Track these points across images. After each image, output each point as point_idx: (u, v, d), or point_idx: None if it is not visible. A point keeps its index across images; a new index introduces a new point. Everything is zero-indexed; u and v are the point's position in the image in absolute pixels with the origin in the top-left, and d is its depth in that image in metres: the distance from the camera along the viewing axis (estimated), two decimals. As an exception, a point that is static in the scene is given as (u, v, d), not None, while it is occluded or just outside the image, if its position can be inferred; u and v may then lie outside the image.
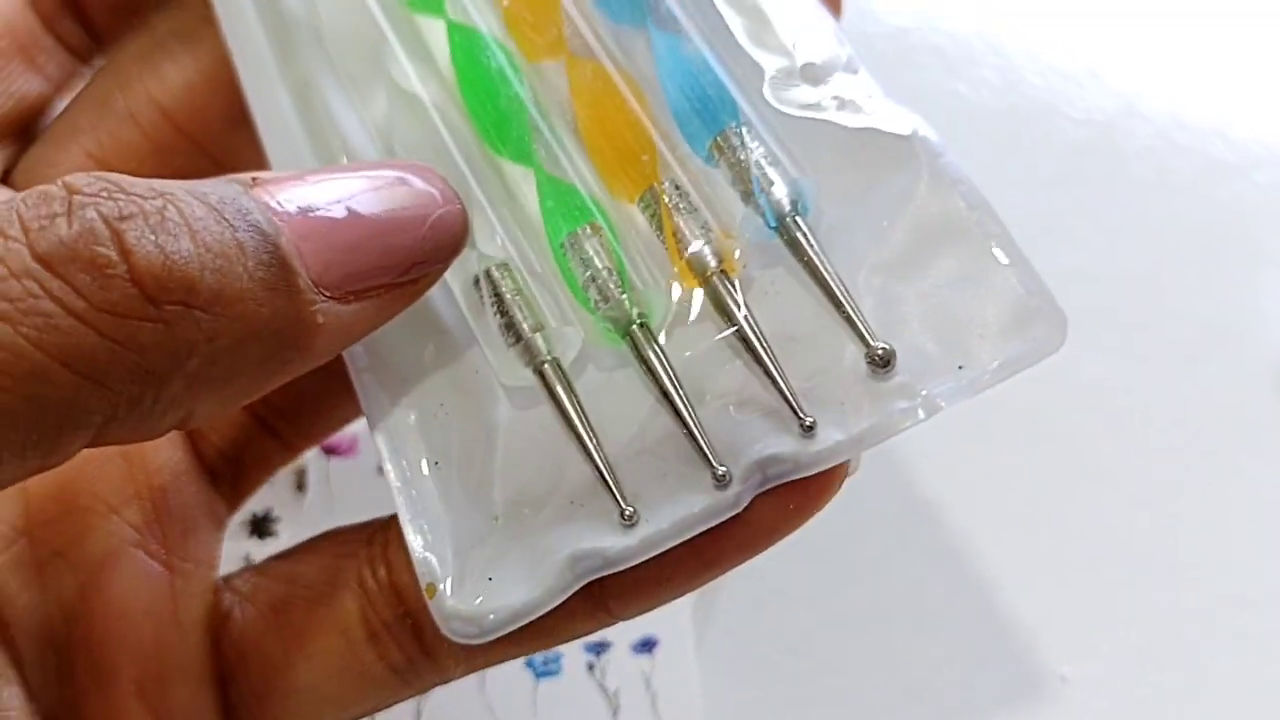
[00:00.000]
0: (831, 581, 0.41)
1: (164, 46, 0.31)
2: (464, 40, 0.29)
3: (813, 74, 0.28)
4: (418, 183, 0.25)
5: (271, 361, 0.23)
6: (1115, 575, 0.41)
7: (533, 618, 0.26)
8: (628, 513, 0.25)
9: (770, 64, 0.28)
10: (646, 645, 0.40)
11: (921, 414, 0.25)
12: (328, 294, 0.23)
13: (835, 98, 0.28)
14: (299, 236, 0.23)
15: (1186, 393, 0.43)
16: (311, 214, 0.23)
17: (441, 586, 0.26)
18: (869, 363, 0.25)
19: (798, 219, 0.27)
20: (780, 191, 0.27)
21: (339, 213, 0.23)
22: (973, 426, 0.42)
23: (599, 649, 0.39)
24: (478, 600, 0.26)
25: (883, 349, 0.25)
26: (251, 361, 0.23)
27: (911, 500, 0.42)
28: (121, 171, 0.29)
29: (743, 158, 0.27)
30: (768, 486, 0.26)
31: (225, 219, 0.22)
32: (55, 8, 0.31)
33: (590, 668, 0.39)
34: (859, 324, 0.26)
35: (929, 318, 0.26)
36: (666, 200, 0.27)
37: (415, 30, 0.30)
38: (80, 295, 0.20)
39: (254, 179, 0.24)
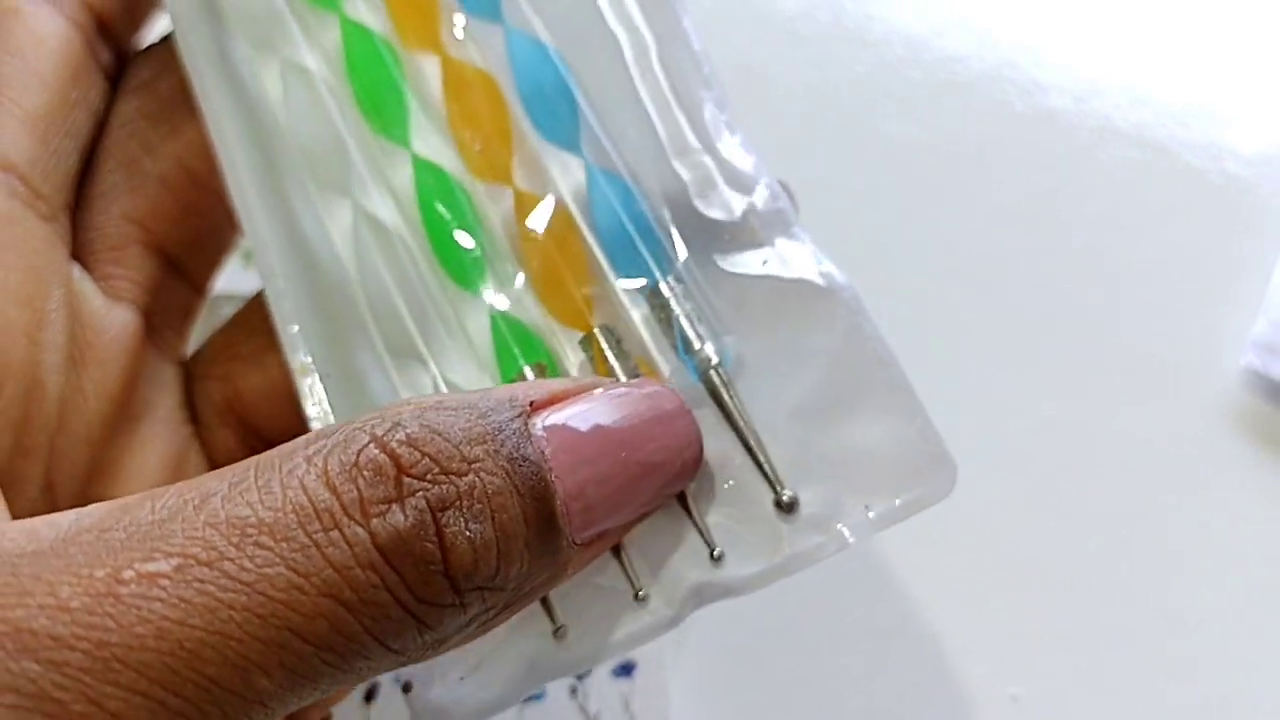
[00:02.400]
0: (797, 608, 0.44)
1: (174, 107, 0.33)
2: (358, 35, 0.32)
3: (739, 184, 0.30)
4: (668, 411, 0.26)
5: (520, 610, 0.25)
6: (1065, 598, 0.43)
7: (500, 711, 0.29)
8: (559, 630, 0.28)
9: (690, 175, 0.30)
10: (626, 669, 0.43)
11: (833, 548, 0.28)
12: (578, 544, 0.24)
13: (766, 248, 0.30)
14: (566, 494, 0.24)
15: (1136, 422, 0.45)
16: (579, 465, 0.24)
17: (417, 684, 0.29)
18: (776, 507, 0.28)
19: (719, 373, 0.29)
20: (706, 350, 0.29)
21: (601, 459, 0.24)
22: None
23: (581, 673, 0.42)
24: (453, 697, 0.29)
25: (788, 497, 0.28)
26: (507, 617, 0.24)
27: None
28: (156, 231, 0.31)
29: (673, 312, 0.29)
30: (705, 605, 0.29)
31: (516, 486, 0.23)
32: (94, 33, 0.32)
33: (573, 691, 0.42)
34: (769, 473, 0.28)
35: (841, 464, 0.28)
36: (602, 345, 0.30)
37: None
38: (409, 589, 0.22)
39: (531, 404, 0.24)
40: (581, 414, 0.24)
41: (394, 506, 0.21)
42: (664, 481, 0.26)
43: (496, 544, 0.22)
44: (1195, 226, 0.48)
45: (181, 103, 0.32)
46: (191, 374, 0.33)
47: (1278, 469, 0.44)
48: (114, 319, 0.31)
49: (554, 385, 0.25)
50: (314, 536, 0.21)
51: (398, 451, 0.22)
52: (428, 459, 0.22)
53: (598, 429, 0.24)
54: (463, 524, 0.22)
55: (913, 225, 0.48)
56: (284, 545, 0.21)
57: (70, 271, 0.31)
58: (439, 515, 0.22)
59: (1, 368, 0.28)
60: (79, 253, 0.32)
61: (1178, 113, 0.50)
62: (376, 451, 0.22)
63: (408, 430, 0.22)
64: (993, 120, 0.50)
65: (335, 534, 0.21)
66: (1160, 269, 0.47)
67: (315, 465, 0.22)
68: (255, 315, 0.33)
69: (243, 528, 0.21)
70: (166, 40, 0.33)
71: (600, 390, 0.25)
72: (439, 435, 0.22)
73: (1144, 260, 0.47)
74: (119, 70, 0.33)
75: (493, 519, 0.22)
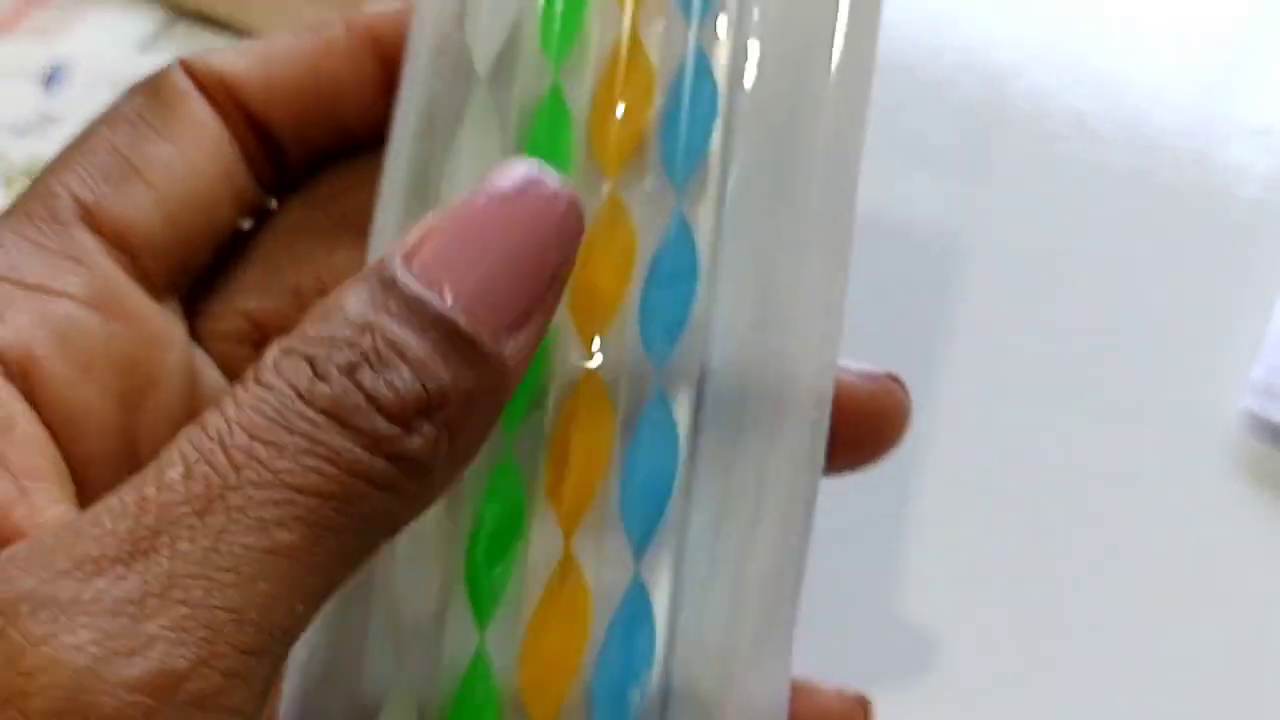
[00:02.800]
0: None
1: (338, 229, 0.32)
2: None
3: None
4: (522, 182, 0.27)
5: (493, 411, 0.26)
6: (1062, 638, 0.44)
7: None
8: None
9: None
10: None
11: None
12: (506, 336, 0.26)
13: None
14: (464, 308, 0.26)
15: (1137, 465, 0.46)
16: (467, 277, 0.26)
17: None
18: None
19: None
20: None
21: (488, 260, 0.26)
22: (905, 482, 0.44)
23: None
24: None
25: None
26: (482, 421, 0.26)
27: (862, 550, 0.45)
28: (273, 337, 0.30)
29: None
30: None
31: (418, 328, 0.25)
32: (258, 149, 0.32)
33: None
34: None
35: None
36: None
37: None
38: (364, 435, 0.24)
39: (405, 256, 0.26)
40: (446, 231, 0.26)
41: (319, 384, 0.24)
42: (545, 242, 0.27)
43: (413, 374, 0.25)
44: (1195, 270, 0.48)
45: (344, 229, 0.32)
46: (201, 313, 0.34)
47: (1277, 511, 0.44)
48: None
49: (422, 225, 0.26)
50: (275, 421, 0.24)
51: (304, 349, 0.25)
52: (328, 343, 0.25)
53: (463, 234, 0.26)
54: (374, 374, 0.24)
55: (913, 253, 0.48)
56: (256, 434, 0.24)
57: (186, 344, 0.31)
58: (354, 374, 0.24)
59: (86, 423, 0.29)
60: (192, 334, 0.32)
61: (1179, 156, 0.50)
62: (289, 356, 0.25)
63: (306, 334, 0.25)
64: (995, 158, 0.50)
65: (290, 414, 0.24)
66: (1160, 312, 0.48)
67: (248, 383, 0.25)
68: (256, 252, 0.33)
69: (219, 437, 0.24)
70: (352, 165, 0.33)
71: (454, 199, 0.27)
72: (331, 325, 0.25)
73: (1144, 303, 0.48)
74: (279, 177, 0.33)
75: (402, 358, 0.25)
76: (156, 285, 0.30)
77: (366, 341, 0.25)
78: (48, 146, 0.54)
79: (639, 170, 0.30)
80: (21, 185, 0.53)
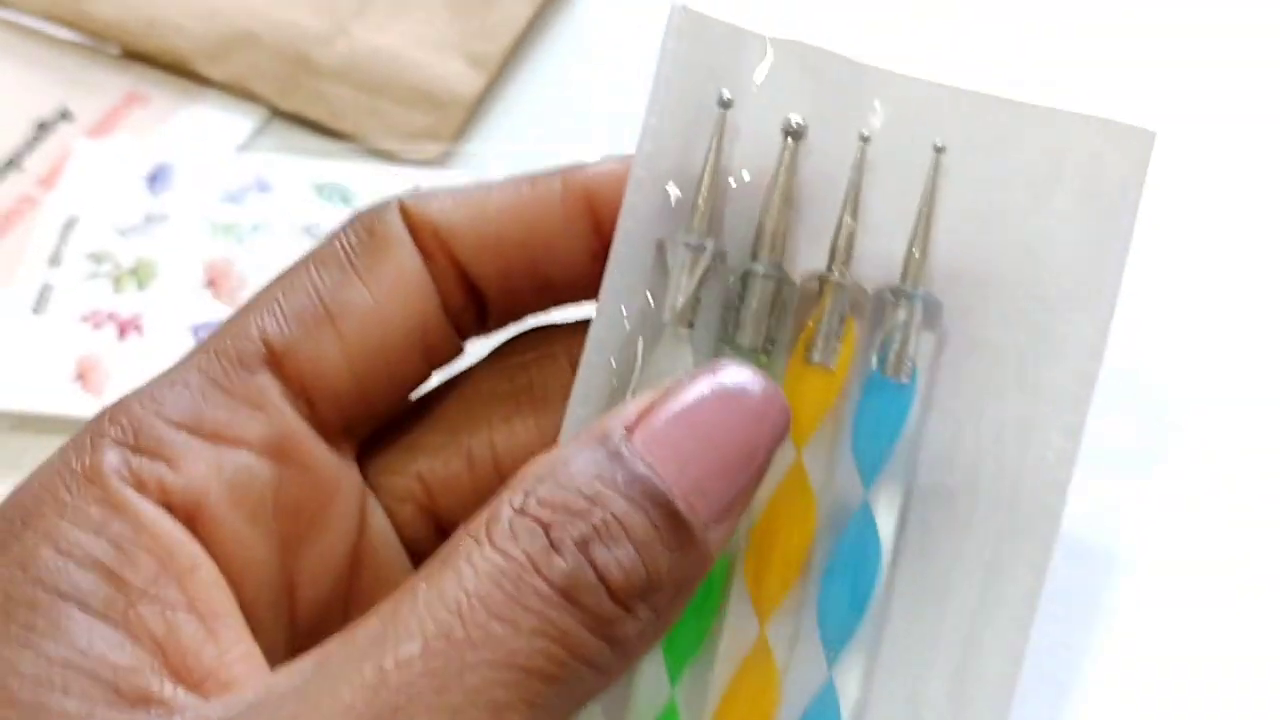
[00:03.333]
0: None
1: (520, 399, 0.32)
2: None
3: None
4: (743, 386, 0.28)
5: (691, 596, 0.27)
6: None
7: None
8: None
9: None
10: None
11: None
12: (713, 526, 0.27)
13: None
14: (682, 494, 0.26)
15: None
16: (689, 465, 0.27)
17: None
18: None
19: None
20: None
21: (707, 451, 0.27)
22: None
23: None
24: None
25: None
26: (680, 605, 0.27)
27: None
28: (439, 501, 0.32)
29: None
30: None
31: (637, 503, 0.26)
32: (462, 298, 0.32)
33: None
34: None
35: None
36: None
37: None
38: (590, 614, 0.25)
39: (626, 429, 0.27)
40: (667, 416, 0.27)
41: (554, 556, 0.25)
42: (757, 444, 0.27)
43: (639, 555, 0.25)
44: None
45: (525, 400, 0.32)
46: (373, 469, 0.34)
47: None
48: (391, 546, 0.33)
49: (640, 402, 0.27)
50: (512, 596, 0.25)
51: (538, 513, 0.25)
52: (562, 510, 0.25)
53: (684, 422, 0.27)
54: (606, 550, 0.25)
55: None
56: (494, 610, 0.25)
57: (357, 493, 0.31)
58: (588, 549, 0.25)
59: (249, 568, 0.29)
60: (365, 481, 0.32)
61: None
62: (522, 519, 0.25)
63: (537, 495, 0.26)
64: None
65: (526, 589, 0.25)
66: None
67: (483, 544, 0.25)
68: (436, 410, 0.33)
69: (459, 609, 0.25)
70: (541, 335, 0.33)
71: (674, 385, 0.27)
72: (562, 488, 0.26)
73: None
74: (478, 326, 0.33)
75: (627, 535, 0.25)
76: (333, 433, 0.31)
77: (597, 515, 0.26)
78: (154, 245, 0.56)
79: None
80: (129, 285, 0.54)
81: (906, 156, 0.30)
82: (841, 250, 0.30)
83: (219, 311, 0.53)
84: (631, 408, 0.27)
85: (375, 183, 0.58)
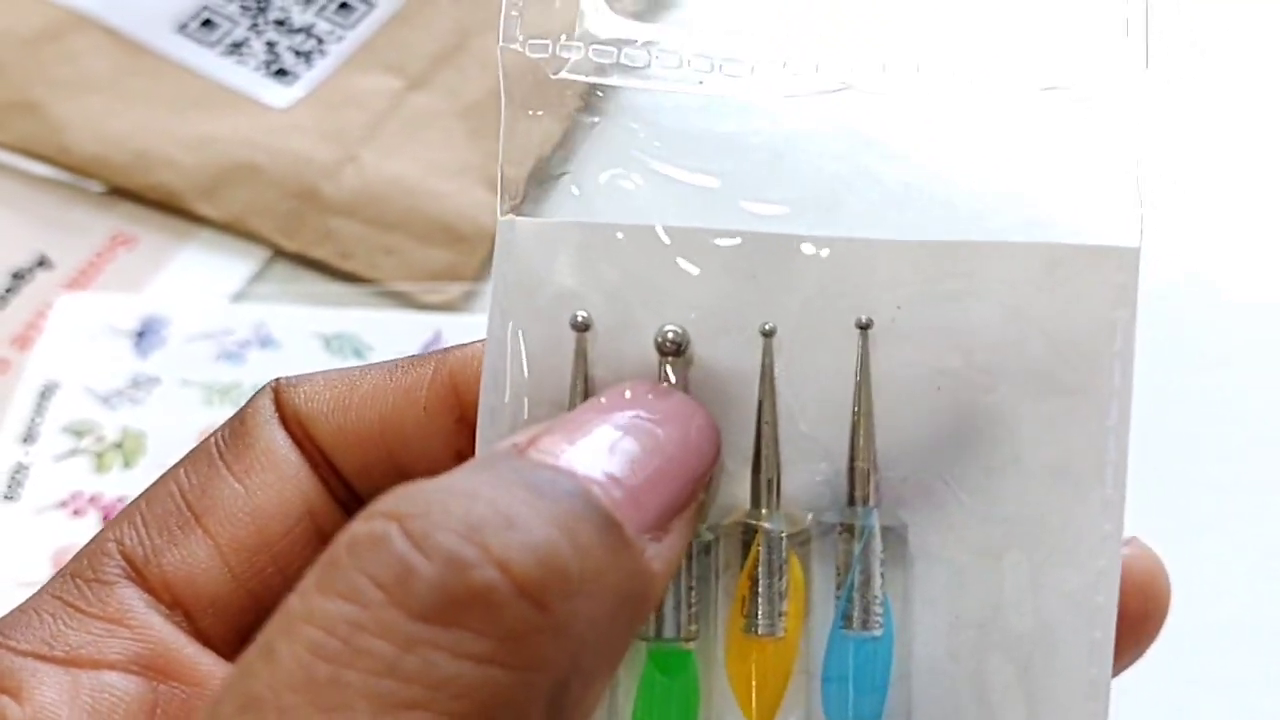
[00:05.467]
0: None
1: None
2: None
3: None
4: (666, 400, 0.25)
5: (633, 623, 0.23)
6: None
7: None
8: None
9: None
10: None
11: None
12: (649, 536, 0.23)
13: None
14: (598, 483, 0.23)
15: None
16: (595, 460, 0.23)
17: None
18: None
19: None
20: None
21: (626, 453, 0.24)
22: None
23: None
24: None
25: None
26: (620, 631, 0.23)
27: None
28: None
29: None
30: None
31: (545, 495, 0.22)
32: (339, 481, 0.30)
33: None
34: None
35: None
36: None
37: None
38: (477, 635, 0.20)
39: (515, 446, 0.24)
40: (565, 432, 0.24)
41: (411, 558, 0.21)
42: (680, 453, 0.25)
43: (560, 542, 0.21)
44: None
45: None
46: None
47: None
48: None
49: (529, 430, 0.24)
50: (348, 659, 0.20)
51: (393, 508, 0.22)
52: (421, 504, 0.22)
53: (581, 427, 0.24)
54: (512, 536, 0.21)
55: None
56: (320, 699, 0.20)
57: None
58: (475, 537, 0.21)
59: None
60: None
61: None
62: (371, 523, 0.22)
63: (380, 509, 0.22)
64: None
65: (366, 640, 0.20)
66: None
67: (307, 595, 0.21)
68: None
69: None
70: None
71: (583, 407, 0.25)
72: (422, 491, 0.22)
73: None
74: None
75: (542, 520, 0.21)
76: (219, 639, 0.29)
77: (479, 507, 0.21)
78: (142, 414, 0.51)
79: None
80: (114, 463, 0.50)
81: (827, 340, 0.26)
82: (765, 484, 0.26)
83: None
84: (518, 436, 0.24)
85: (391, 331, 0.54)
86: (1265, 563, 0.48)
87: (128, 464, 0.50)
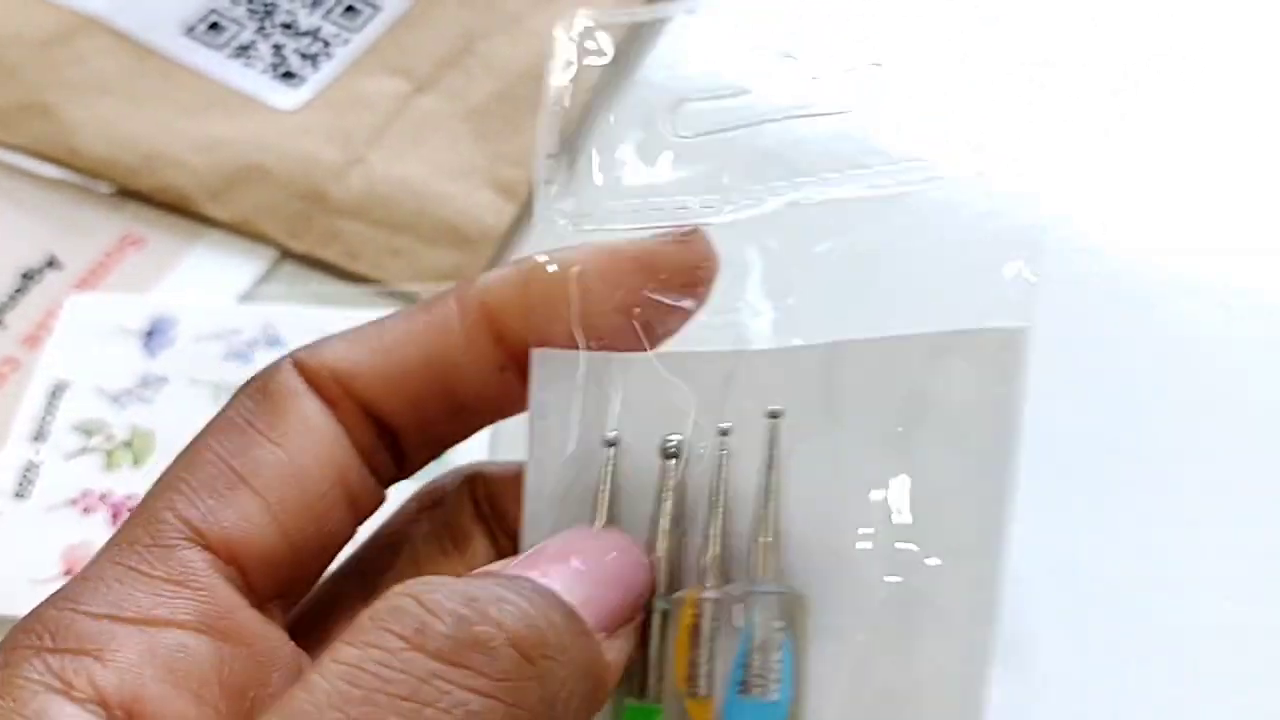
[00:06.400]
0: None
1: (442, 538, 0.32)
2: None
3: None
4: (611, 539, 0.29)
5: (592, 701, 0.27)
6: None
7: None
8: None
9: None
10: None
11: None
12: (603, 634, 0.27)
13: None
14: (566, 591, 0.27)
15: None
16: (566, 581, 0.27)
17: None
18: None
19: None
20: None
21: (583, 574, 0.28)
22: None
23: None
24: None
25: None
26: (584, 704, 0.26)
27: None
28: None
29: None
30: None
31: (525, 590, 0.26)
32: (374, 440, 0.31)
33: None
34: None
35: None
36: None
37: None
38: (479, 674, 0.24)
39: (489, 572, 0.28)
40: (538, 561, 0.28)
41: (430, 620, 0.25)
42: (625, 576, 0.28)
43: (541, 618, 0.25)
44: None
45: (449, 539, 0.33)
46: None
47: None
48: None
49: (504, 563, 0.28)
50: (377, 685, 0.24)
51: (419, 592, 0.25)
52: (433, 599, 0.25)
53: (557, 558, 0.28)
54: (508, 606, 0.25)
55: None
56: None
57: (292, 661, 0.30)
58: (480, 607, 0.25)
59: None
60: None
61: None
62: (399, 599, 0.25)
63: (398, 593, 0.25)
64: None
65: (393, 673, 0.24)
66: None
67: (339, 646, 0.25)
68: (359, 563, 0.33)
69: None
70: (461, 469, 0.33)
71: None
72: (430, 586, 0.25)
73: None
74: (396, 467, 0.33)
75: (528, 602, 0.26)
76: (265, 598, 0.30)
77: (481, 594, 0.26)
78: (152, 413, 0.51)
79: None
80: (124, 461, 0.50)
81: (759, 435, 0.29)
82: (711, 561, 0.29)
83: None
84: (497, 566, 0.28)
85: None
86: (1263, 563, 0.48)
87: (137, 462, 0.50)
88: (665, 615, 0.29)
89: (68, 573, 0.47)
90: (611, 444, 0.30)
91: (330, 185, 0.57)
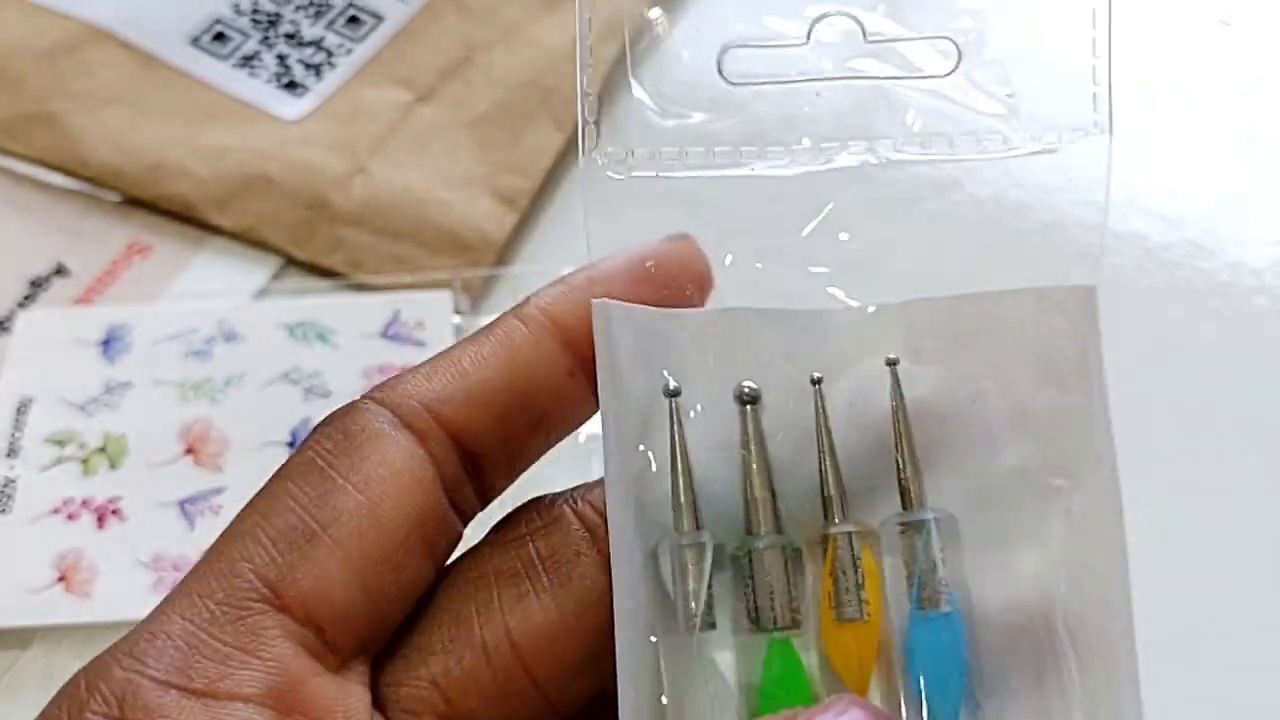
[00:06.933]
0: None
1: (529, 574, 0.31)
2: None
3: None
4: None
5: None
6: None
7: None
8: None
9: None
10: None
11: None
12: None
13: None
14: None
15: None
16: None
17: None
18: None
19: None
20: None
21: None
22: None
23: None
24: None
25: None
26: None
27: None
28: (460, 706, 0.30)
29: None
30: None
31: None
32: (459, 471, 0.31)
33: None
34: None
35: None
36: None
37: None
38: None
39: None
40: None
41: None
42: None
43: None
44: None
45: (534, 573, 0.30)
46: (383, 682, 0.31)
47: None
48: None
49: None
50: None
51: None
52: None
53: None
54: None
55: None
56: None
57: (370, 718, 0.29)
58: None
59: None
60: (376, 702, 0.30)
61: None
62: None
63: None
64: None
65: None
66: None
67: None
68: (439, 603, 0.31)
69: None
70: (538, 505, 0.32)
71: None
72: None
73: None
74: (480, 497, 0.32)
75: None
76: (343, 655, 0.29)
77: None
78: (120, 418, 0.51)
79: None
80: (100, 466, 0.50)
81: (863, 383, 0.31)
82: (834, 499, 0.30)
83: (204, 481, 0.50)
84: None
85: (351, 315, 0.55)
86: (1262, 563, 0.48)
87: (113, 466, 0.50)
88: (782, 550, 0.30)
89: (62, 579, 0.47)
90: (674, 394, 0.30)
91: (333, 194, 0.57)
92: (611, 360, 0.30)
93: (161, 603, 0.28)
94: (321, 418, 0.31)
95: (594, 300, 0.30)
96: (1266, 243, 0.56)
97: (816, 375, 0.30)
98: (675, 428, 0.30)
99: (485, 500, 0.32)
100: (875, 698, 0.29)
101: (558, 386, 0.31)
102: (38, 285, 0.56)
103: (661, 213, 0.32)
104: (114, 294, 0.56)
